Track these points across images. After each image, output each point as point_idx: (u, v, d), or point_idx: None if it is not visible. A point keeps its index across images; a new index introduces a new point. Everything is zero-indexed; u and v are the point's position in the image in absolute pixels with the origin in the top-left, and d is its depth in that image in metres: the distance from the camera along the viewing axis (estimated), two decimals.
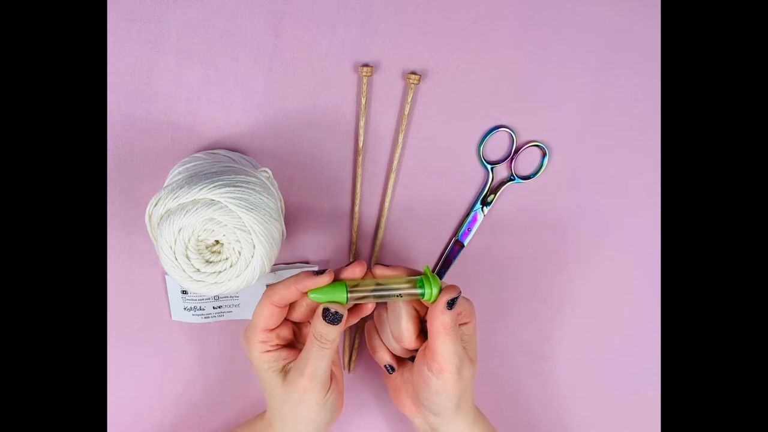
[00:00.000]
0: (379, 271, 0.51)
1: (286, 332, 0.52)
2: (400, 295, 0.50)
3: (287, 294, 0.49)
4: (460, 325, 0.52)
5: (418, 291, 0.50)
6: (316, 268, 0.61)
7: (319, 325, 0.48)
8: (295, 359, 0.51)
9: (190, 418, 0.62)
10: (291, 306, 0.52)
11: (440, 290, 0.49)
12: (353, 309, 0.52)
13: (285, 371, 0.51)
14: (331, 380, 0.51)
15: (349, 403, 0.63)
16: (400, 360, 0.56)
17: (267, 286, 0.59)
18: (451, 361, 0.50)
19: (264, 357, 0.50)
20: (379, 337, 0.55)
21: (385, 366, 0.56)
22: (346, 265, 0.50)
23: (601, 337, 0.65)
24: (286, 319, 0.52)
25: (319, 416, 0.51)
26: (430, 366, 0.51)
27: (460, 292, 0.50)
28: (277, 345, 0.51)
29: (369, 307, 0.51)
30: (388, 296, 0.50)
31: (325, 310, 0.47)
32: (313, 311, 0.52)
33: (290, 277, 0.50)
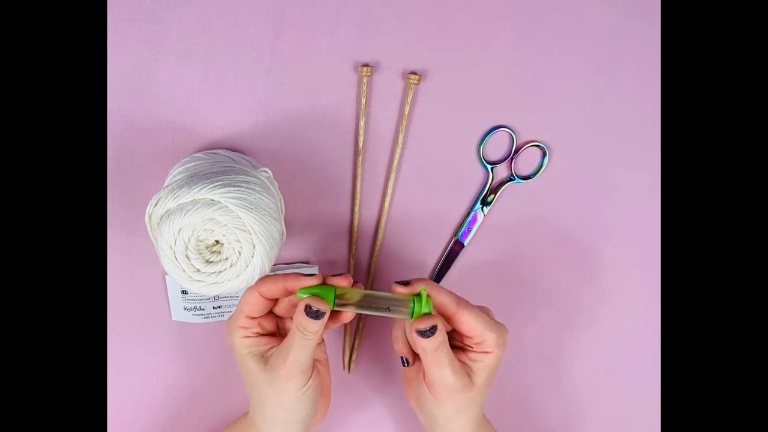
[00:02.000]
0: (399, 288, 0.50)
1: (268, 324, 0.53)
2: (388, 309, 0.49)
3: (274, 288, 0.50)
4: (482, 352, 0.51)
5: (406, 310, 0.49)
6: (315, 268, 0.61)
7: (301, 318, 0.48)
8: (276, 346, 0.51)
9: (190, 418, 0.62)
10: (276, 300, 0.52)
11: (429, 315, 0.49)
12: (335, 314, 0.51)
13: (265, 357, 0.51)
14: (313, 370, 0.51)
15: (348, 401, 0.63)
16: (418, 355, 0.56)
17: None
18: (441, 384, 0.50)
19: (244, 342, 0.51)
20: (404, 329, 0.55)
21: (401, 357, 0.56)
22: (334, 275, 0.50)
23: (601, 337, 0.65)
24: (270, 312, 0.53)
25: (300, 406, 0.51)
26: (424, 377, 0.51)
27: (435, 326, 0.48)
28: (258, 333, 0.51)
29: (349, 315, 0.51)
30: (376, 309, 0.49)
31: (308, 307, 0.48)
32: (294, 308, 0.52)
33: (280, 273, 0.50)
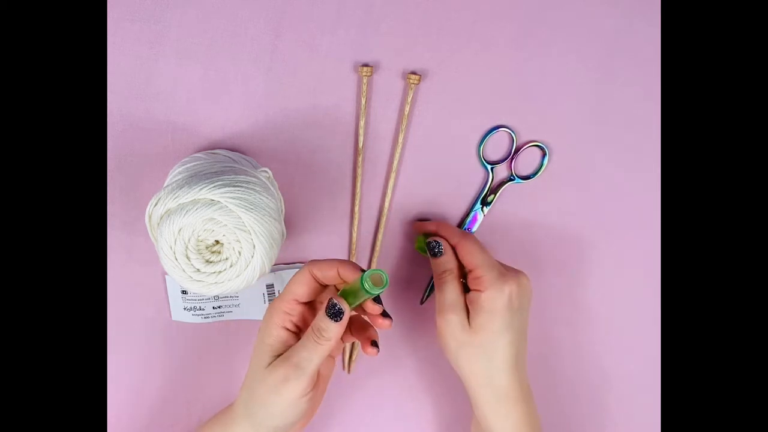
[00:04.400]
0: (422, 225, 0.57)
1: (306, 318, 0.50)
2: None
3: (329, 273, 0.47)
4: (475, 290, 0.54)
5: (363, 289, 0.45)
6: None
7: (320, 320, 0.46)
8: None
9: (190, 418, 0.62)
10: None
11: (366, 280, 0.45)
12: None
13: (277, 356, 0.48)
14: (315, 386, 0.48)
15: (348, 401, 0.63)
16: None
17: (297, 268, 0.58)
18: (485, 268, 0.53)
19: (278, 333, 0.48)
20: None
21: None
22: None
23: (601, 337, 0.65)
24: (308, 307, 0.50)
25: (287, 413, 0.48)
26: (470, 280, 0.54)
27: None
28: (296, 327, 0.49)
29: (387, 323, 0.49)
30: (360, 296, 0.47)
31: (330, 303, 0.46)
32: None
33: (335, 258, 0.48)
